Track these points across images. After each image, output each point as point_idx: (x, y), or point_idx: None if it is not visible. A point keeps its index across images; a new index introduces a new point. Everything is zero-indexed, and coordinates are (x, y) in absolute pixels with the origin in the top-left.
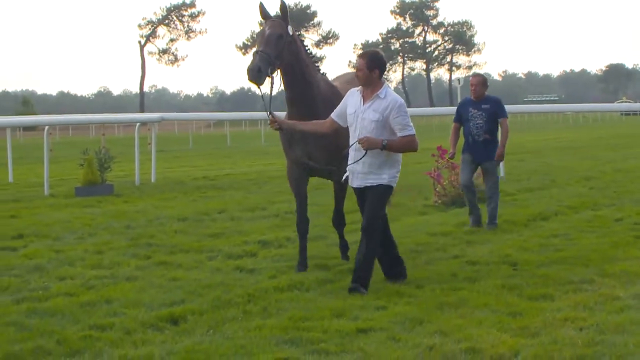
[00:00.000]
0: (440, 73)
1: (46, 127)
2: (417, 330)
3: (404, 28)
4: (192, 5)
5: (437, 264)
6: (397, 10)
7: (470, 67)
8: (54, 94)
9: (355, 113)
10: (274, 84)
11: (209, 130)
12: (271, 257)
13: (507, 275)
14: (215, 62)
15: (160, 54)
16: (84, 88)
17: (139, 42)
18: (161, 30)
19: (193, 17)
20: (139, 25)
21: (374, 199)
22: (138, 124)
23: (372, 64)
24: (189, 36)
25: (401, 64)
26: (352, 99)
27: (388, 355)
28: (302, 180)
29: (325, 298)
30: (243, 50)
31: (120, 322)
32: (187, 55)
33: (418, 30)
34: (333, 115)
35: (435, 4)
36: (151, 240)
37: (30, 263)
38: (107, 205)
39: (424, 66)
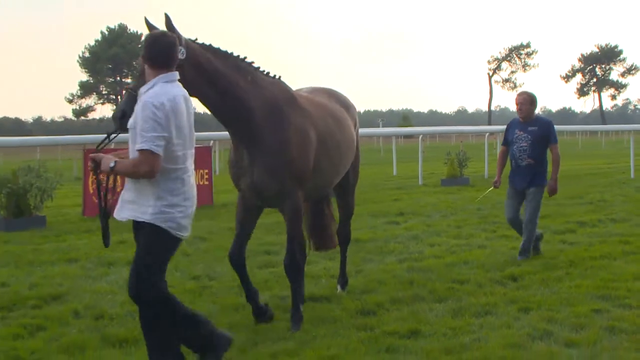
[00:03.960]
0: None
1: (420, 136)
2: None
3: None
4: (528, 46)
5: None
6: None
7: None
8: (426, 111)
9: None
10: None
11: None
12: (587, 234)
13: None
14: (544, 88)
15: (503, 82)
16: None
17: (488, 73)
18: (504, 64)
19: (529, 54)
20: (488, 61)
21: (140, 250)
22: (487, 133)
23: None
24: (524, 69)
25: None
26: None
27: None
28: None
29: (629, 265)
30: (565, 79)
31: (474, 278)
32: (523, 83)
33: None
34: None
35: None
36: (496, 219)
37: (409, 234)
38: (463, 192)
39: None
